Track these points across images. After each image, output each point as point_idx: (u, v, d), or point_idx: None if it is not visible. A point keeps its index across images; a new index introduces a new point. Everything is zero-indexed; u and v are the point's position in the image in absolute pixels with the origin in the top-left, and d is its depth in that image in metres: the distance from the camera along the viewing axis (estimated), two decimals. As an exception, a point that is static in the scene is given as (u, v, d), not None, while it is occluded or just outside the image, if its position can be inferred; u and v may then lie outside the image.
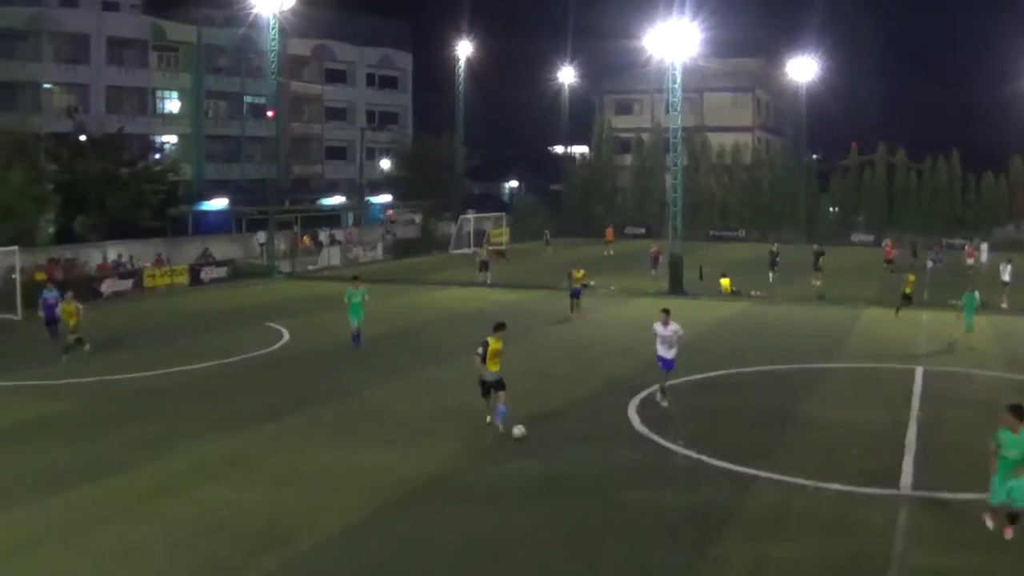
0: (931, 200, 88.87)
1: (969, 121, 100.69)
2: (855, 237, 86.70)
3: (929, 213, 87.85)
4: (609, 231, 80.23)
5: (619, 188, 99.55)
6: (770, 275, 53.34)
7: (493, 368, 21.88)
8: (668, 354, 24.78)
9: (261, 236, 63.65)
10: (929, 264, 63.62)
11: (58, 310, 34.12)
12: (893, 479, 19.11)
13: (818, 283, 50.70)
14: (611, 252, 73.76)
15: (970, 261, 65.07)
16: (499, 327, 22.35)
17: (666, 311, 25.08)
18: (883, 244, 70.07)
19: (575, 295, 41.55)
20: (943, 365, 31.00)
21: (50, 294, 34.87)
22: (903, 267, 58.10)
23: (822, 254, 53.69)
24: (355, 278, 34.39)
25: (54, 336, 33.71)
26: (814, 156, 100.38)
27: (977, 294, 37.67)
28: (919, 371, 29.94)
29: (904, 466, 19.91)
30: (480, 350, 21.79)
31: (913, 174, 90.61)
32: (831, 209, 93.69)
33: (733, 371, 29.99)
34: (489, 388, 22.10)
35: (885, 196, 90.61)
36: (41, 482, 18.70)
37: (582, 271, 43.05)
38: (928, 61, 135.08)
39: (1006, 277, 47.94)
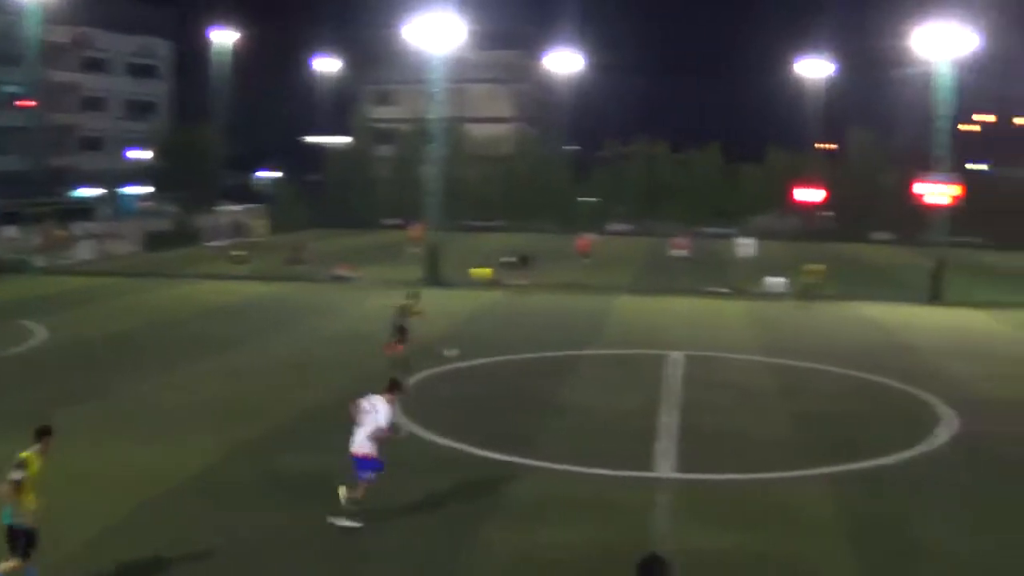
0: (692, 191, 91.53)
1: (729, 115, 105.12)
2: (614, 227, 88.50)
3: (691, 204, 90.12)
4: (418, 227, 64.96)
5: (379, 179, 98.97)
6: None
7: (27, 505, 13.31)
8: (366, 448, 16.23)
9: (13, 231, 60.34)
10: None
11: None
12: (653, 462, 19.78)
13: (524, 282, 48.80)
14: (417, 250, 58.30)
15: (679, 252, 63.62)
16: (43, 433, 13.74)
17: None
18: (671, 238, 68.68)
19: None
20: (700, 350, 32.17)
21: None
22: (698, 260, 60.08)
23: (526, 257, 54.13)
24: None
25: None
26: (575, 147, 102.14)
27: None
28: (676, 356, 31.01)
29: (663, 449, 20.62)
30: (16, 475, 13.17)
31: (674, 165, 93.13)
32: (590, 199, 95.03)
33: (491, 360, 30.26)
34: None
35: (645, 187, 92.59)
36: None
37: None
38: (688, 58, 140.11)
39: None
